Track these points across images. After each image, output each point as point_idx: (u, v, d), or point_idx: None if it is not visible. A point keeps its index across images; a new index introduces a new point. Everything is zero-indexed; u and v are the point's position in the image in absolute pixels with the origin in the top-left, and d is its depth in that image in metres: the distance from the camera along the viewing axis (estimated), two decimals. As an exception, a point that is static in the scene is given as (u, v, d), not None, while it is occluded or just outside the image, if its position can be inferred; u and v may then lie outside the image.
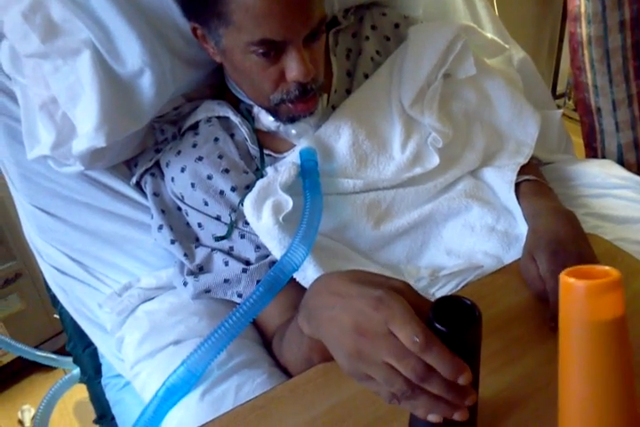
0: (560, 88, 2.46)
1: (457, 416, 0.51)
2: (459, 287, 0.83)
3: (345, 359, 0.55)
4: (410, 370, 0.50)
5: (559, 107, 1.72)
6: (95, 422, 1.08)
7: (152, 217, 0.96)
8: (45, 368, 1.78)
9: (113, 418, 0.99)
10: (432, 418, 0.52)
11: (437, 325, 0.50)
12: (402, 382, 0.51)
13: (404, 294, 0.54)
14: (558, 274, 0.72)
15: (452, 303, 0.52)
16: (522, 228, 0.89)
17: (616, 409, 0.45)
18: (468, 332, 0.50)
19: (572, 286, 0.44)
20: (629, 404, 0.45)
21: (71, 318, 1.04)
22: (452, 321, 0.50)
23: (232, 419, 0.67)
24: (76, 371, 1.37)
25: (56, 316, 1.21)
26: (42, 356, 1.50)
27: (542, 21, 2.29)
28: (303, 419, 0.66)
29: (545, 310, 0.73)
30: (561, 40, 2.32)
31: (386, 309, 0.52)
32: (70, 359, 1.45)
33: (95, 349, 1.06)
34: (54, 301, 1.10)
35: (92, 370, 1.07)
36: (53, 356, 1.54)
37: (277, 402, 0.68)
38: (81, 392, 1.58)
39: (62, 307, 1.05)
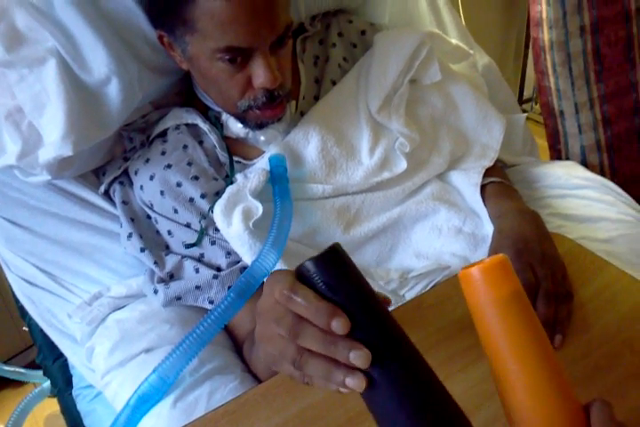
0: (527, 93, 2.50)
1: (349, 381, 0.45)
2: (427, 288, 0.85)
3: (262, 349, 0.54)
4: (284, 327, 0.48)
5: (526, 111, 1.75)
6: (67, 434, 1.06)
7: (121, 226, 0.95)
8: (15, 384, 1.75)
9: (85, 430, 0.98)
10: (342, 391, 0.47)
11: (304, 266, 0.47)
12: (286, 348, 0.48)
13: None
14: (522, 273, 0.74)
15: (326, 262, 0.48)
16: (488, 229, 0.91)
17: (543, 375, 0.48)
18: (327, 262, 0.47)
19: (469, 273, 0.48)
20: (553, 369, 0.48)
21: (40, 330, 1.03)
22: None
23: (204, 425, 0.67)
24: (46, 384, 1.35)
25: (25, 329, 1.20)
26: (9, 371, 1.48)
27: (508, 28, 2.33)
28: (275, 422, 0.66)
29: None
30: (527, 46, 2.36)
31: (272, 283, 0.50)
32: (39, 373, 1.43)
33: (65, 360, 1.05)
34: (22, 312, 1.08)
35: (62, 382, 1.05)
36: (22, 370, 1.52)
37: (249, 407, 0.68)
38: (51, 407, 1.56)
39: (31, 318, 1.04)
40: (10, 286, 1.03)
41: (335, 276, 0.47)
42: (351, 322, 0.45)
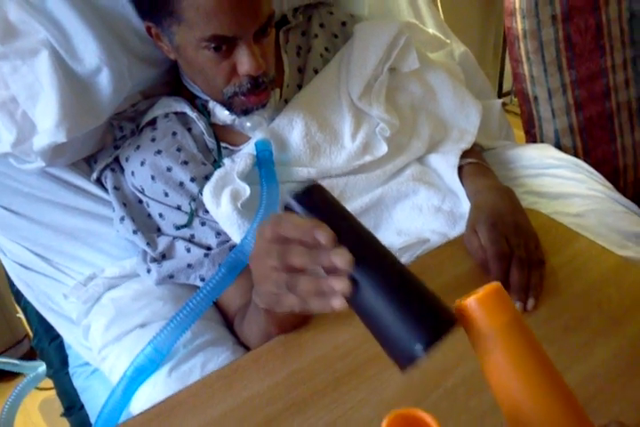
0: (506, 86, 2.55)
1: (336, 284, 0.49)
2: (408, 261, 0.89)
3: (261, 293, 0.59)
4: (274, 254, 0.53)
5: (505, 104, 1.79)
6: (63, 414, 1.09)
7: (114, 210, 0.98)
8: (7, 377, 1.78)
9: (81, 407, 1.00)
10: (334, 304, 0.51)
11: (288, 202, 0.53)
12: (279, 275, 0.54)
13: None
14: (497, 242, 0.79)
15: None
16: (465, 207, 0.95)
17: (554, 401, 0.47)
18: (307, 192, 0.53)
19: (466, 304, 0.48)
20: (562, 394, 0.48)
21: (36, 313, 1.05)
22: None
23: (199, 388, 0.71)
24: (42, 369, 1.38)
25: (20, 316, 1.22)
26: (3, 362, 1.51)
27: (486, 22, 2.38)
28: (266, 384, 0.70)
29: (487, 277, 0.79)
30: (505, 41, 2.41)
31: (260, 229, 0.56)
32: (33, 364, 1.47)
33: (61, 341, 1.08)
34: (17, 297, 1.11)
35: (58, 362, 1.08)
36: (15, 361, 1.55)
37: (241, 371, 0.72)
38: (42, 396, 1.59)
39: (26, 302, 1.07)
40: (3, 278, 1.06)
41: (316, 200, 0.53)
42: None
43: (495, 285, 0.48)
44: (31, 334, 1.20)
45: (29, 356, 1.83)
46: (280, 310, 0.58)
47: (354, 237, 0.51)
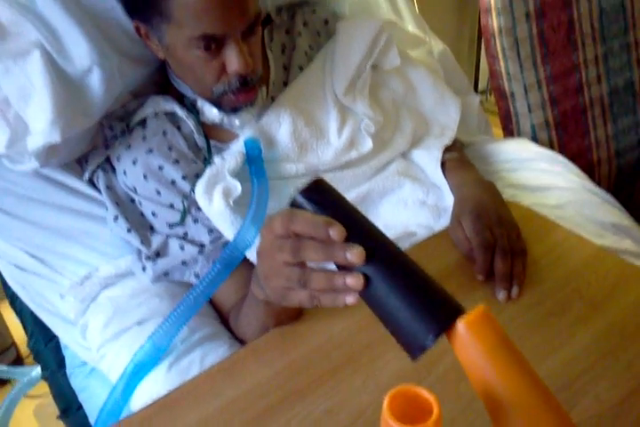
0: (481, 86, 2.60)
1: (349, 281, 0.51)
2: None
3: (270, 288, 0.60)
4: (287, 249, 0.54)
5: (481, 102, 1.83)
6: (59, 417, 1.10)
7: (107, 209, 1.00)
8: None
9: (79, 408, 1.01)
10: (348, 300, 0.53)
11: (295, 199, 0.55)
12: (291, 271, 0.55)
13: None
14: (481, 233, 0.83)
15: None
16: (448, 200, 0.99)
17: (548, 418, 0.48)
18: (314, 188, 0.55)
19: (454, 331, 0.48)
20: (557, 412, 0.49)
21: (31, 314, 1.06)
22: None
23: (201, 381, 0.73)
24: (35, 373, 1.39)
25: (7, 320, 1.22)
26: None
27: (461, 21, 2.42)
28: (265, 375, 0.72)
29: (472, 267, 0.83)
30: (480, 39, 2.45)
31: (267, 225, 0.57)
32: (22, 370, 1.47)
33: (57, 342, 1.08)
34: (12, 299, 1.12)
35: (54, 363, 1.09)
36: (4, 367, 1.55)
37: (241, 363, 0.75)
38: (32, 404, 1.59)
39: (22, 304, 1.07)
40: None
41: (323, 197, 0.55)
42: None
43: (481, 307, 0.49)
44: (19, 340, 1.19)
45: (17, 363, 1.83)
46: (288, 304, 0.60)
47: (362, 231, 0.53)
